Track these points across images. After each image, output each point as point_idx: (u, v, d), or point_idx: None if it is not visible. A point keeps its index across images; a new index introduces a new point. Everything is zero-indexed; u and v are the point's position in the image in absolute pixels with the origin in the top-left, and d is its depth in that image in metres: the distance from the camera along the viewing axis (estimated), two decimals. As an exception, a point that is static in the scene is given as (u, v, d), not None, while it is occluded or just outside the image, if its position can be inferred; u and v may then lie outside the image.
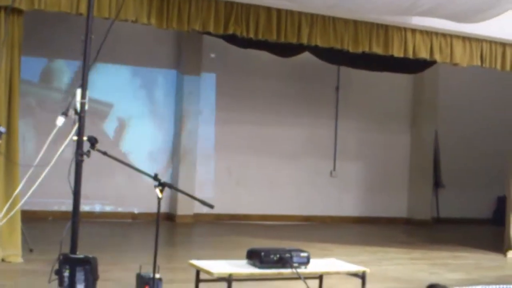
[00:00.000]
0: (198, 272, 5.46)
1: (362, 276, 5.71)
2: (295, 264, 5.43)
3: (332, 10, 7.86)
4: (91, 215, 10.41)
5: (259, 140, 11.88)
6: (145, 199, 10.02)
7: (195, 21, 7.27)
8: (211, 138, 11.61)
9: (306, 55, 9.93)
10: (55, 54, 10.49)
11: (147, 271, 5.50)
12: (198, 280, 5.49)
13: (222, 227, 10.83)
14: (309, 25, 7.83)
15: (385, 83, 12.53)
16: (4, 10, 6.68)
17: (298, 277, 5.41)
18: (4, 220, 6.28)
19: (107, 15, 6.83)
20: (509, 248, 9.31)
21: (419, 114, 13.05)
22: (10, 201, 6.23)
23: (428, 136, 13.05)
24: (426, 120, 13.00)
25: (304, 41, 7.88)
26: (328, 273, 5.82)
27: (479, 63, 8.91)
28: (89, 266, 5.09)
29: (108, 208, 10.83)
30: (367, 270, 5.75)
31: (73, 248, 4.92)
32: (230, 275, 5.18)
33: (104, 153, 5.09)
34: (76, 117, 4.99)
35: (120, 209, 10.90)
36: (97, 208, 10.72)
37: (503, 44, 9.02)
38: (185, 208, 10.95)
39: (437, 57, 8.64)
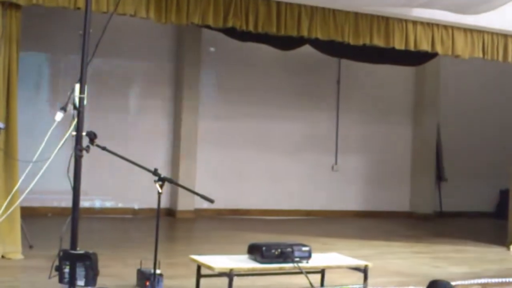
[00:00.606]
0: (199, 267, 5.44)
1: (364, 270, 5.69)
2: (297, 259, 5.41)
3: (332, 2, 7.81)
4: (91, 211, 10.39)
5: (260, 134, 11.84)
6: (146, 194, 9.94)
7: (194, 14, 7.22)
8: (211, 133, 11.56)
9: (307, 48, 9.87)
10: (53, 49, 10.44)
11: (148, 266, 5.49)
12: (199, 275, 5.47)
13: (223, 222, 10.80)
14: (309, 18, 7.77)
15: (386, 75, 12.48)
16: (2, 5, 6.65)
17: (299, 271, 5.39)
18: (4, 217, 6.25)
19: (105, 9, 6.79)
20: (512, 242, 9.28)
21: (421, 107, 13.00)
22: (10, 197, 6.20)
23: (430, 129, 13.00)
24: (428, 113, 12.94)
25: (304, 33, 7.83)
26: (330, 268, 5.81)
27: (480, 55, 8.86)
28: (90, 262, 5.06)
29: (108, 204, 10.80)
30: (369, 264, 5.73)
31: (73, 244, 4.90)
32: (231, 270, 5.16)
33: (104, 148, 5.07)
34: (75, 112, 4.96)
35: (120, 205, 10.88)
36: (97, 204, 10.69)
37: (505, 36, 8.96)
38: (186, 203, 10.92)
39: (438, 49, 8.58)
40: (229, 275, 5.15)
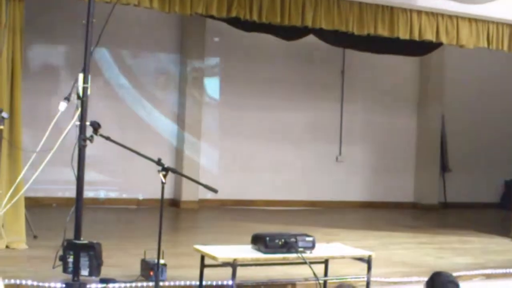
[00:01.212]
0: (203, 257, 5.44)
1: (368, 261, 5.68)
2: (300, 249, 5.41)
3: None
4: (95, 201, 10.39)
5: (264, 125, 11.82)
6: (150, 185, 9.94)
7: (198, 4, 7.18)
8: (215, 123, 11.56)
9: (311, 38, 9.84)
10: (57, 39, 10.42)
11: (152, 256, 5.49)
12: (203, 265, 5.47)
13: (227, 213, 10.80)
14: (313, 7, 7.72)
15: (391, 66, 12.43)
16: (5, -5, 6.64)
17: (303, 261, 5.38)
18: (8, 206, 6.26)
19: (108, -1, 6.77)
20: (516, 232, 9.27)
21: (426, 97, 12.95)
22: (14, 187, 6.21)
23: (434, 119, 12.96)
24: (432, 103, 12.90)
25: (309, 23, 7.78)
26: (333, 258, 5.81)
27: (485, 45, 8.80)
28: (93, 252, 5.08)
29: (112, 194, 10.81)
30: (373, 254, 5.72)
31: (77, 234, 4.90)
32: (235, 260, 5.16)
33: (107, 138, 5.07)
34: (79, 102, 4.96)
35: (124, 195, 10.88)
36: (102, 194, 10.70)
37: (510, 25, 8.89)
38: (190, 193, 10.91)
39: (443, 39, 8.53)
40: (233, 265, 5.15)
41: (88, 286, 5.06)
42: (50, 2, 10.06)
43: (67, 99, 5.27)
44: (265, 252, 5.35)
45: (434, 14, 8.42)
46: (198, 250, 5.48)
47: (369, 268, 5.68)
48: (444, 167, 13.19)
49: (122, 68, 10.98)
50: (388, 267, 6.70)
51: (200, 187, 5.28)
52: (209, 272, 5.51)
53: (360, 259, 5.78)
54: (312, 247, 5.50)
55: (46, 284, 5.29)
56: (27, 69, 9.69)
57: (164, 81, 11.30)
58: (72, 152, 4.86)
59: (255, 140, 11.75)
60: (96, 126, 4.97)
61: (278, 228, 8.25)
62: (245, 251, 5.44)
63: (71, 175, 4.91)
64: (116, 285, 5.43)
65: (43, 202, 9.78)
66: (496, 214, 12.19)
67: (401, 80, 12.92)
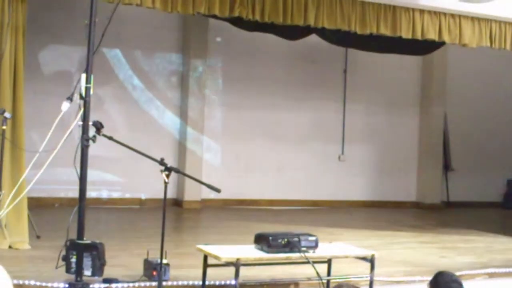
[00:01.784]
0: (206, 257, 5.44)
1: (371, 260, 5.68)
2: (303, 248, 5.41)
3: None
4: (98, 201, 10.39)
5: (266, 125, 11.82)
6: (152, 184, 9.98)
7: (200, 3, 7.18)
8: (218, 123, 11.56)
9: (313, 38, 9.84)
10: (59, 39, 10.42)
11: (155, 256, 5.49)
12: (206, 265, 5.47)
13: (230, 213, 10.79)
14: (316, 7, 7.72)
15: (393, 65, 12.41)
16: (8, -5, 6.64)
17: (306, 261, 5.38)
18: (11, 206, 6.26)
19: (111, -2, 6.76)
20: (519, 231, 9.26)
21: (428, 96, 12.94)
22: (16, 187, 6.21)
23: (437, 118, 12.94)
24: (435, 102, 12.88)
25: (311, 23, 7.77)
26: (336, 257, 5.80)
27: (488, 44, 8.79)
28: (96, 252, 5.09)
29: (115, 194, 10.81)
30: (376, 254, 5.72)
31: (80, 234, 4.90)
32: (238, 259, 5.16)
33: (110, 138, 5.07)
34: (82, 102, 4.96)
35: (127, 195, 10.88)
36: (104, 194, 10.70)
37: (513, 24, 8.91)
38: (193, 193, 10.91)
39: (445, 38, 8.52)
40: (236, 264, 5.15)
41: (91, 286, 5.06)
42: (53, 2, 10.07)
43: (70, 99, 5.28)
44: (268, 252, 5.35)
45: (436, 13, 8.41)
46: (201, 250, 5.48)
47: (372, 268, 5.68)
48: (447, 167, 13.17)
49: (124, 68, 10.98)
50: (391, 267, 6.69)
51: (203, 186, 5.27)
52: (212, 271, 5.52)
53: (363, 258, 5.78)
54: (315, 246, 5.50)
55: (49, 284, 5.29)
56: (29, 69, 9.70)
57: (166, 81, 11.29)
58: (75, 152, 4.86)
59: (258, 139, 11.75)
60: (99, 126, 4.97)
61: (281, 228, 8.24)
62: (248, 251, 5.44)
63: (74, 175, 4.91)
64: (119, 285, 5.43)
65: (46, 202, 9.78)
66: (499, 213, 12.19)
67: (404, 80, 12.90)
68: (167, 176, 4.96)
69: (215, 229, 9.31)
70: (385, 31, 8.19)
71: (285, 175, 11.89)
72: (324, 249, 5.65)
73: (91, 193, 9.69)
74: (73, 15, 9.59)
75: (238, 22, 8.73)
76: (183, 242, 7.76)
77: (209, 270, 5.49)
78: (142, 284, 5.51)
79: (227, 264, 5.24)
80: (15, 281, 5.30)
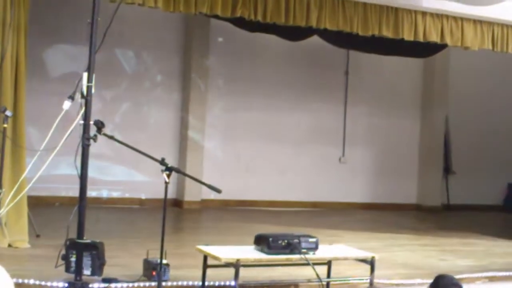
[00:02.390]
0: (205, 257, 5.43)
1: (371, 262, 5.67)
2: (304, 250, 5.39)
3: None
4: (98, 200, 10.39)
5: (267, 126, 11.82)
6: (153, 184, 10.00)
7: (203, 4, 7.18)
8: (219, 123, 11.55)
9: (315, 39, 9.84)
10: (61, 38, 10.42)
11: (155, 256, 5.48)
12: (205, 266, 5.46)
13: (230, 213, 10.79)
14: (318, 8, 7.72)
15: (395, 67, 12.42)
16: (10, -6, 6.64)
17: (306, 262, 5.37)
18: (11, 205, 6.26)
19: (113, -2, 6.76)
20: (519, 235, 9.25)
21: (430, 99, 12.94)
22: (17, 186, 6.21)
23: (438, 121, 12.94)
24: (436, 105, 12.88)
25: (313, 24, 7.77)
26: (336, 259, 5.79)
27: (490, 47, 8.79)
28: (96, 251, 5.08)
29: (115, 194, 10.81)
30: (376, 256, 5.71)
31: (80, 233, 4.90)
32: (238, 260, 5.15)
33: (111, 137, 5.06)
34: (83, 100, 4.95)
35: (127, 195, 10.88)
36: (104, 193, 10.70)
37: (515, 28, 8.90)
38: (193, 194, 10.91)
39: (447, 40, 8.52)
40: (236, 265, 5.14)
41: (90, 285, 5.05)
42: (55, 1, 10.06)
43: (71, 98, 5.27)
44: (268, 253, 5.34)
45: (439, 16, 8.41)
46: (200, 250, 5.47)
47: (372, 270, 5.67)
48: (448, 169, 13.18)
49: (126, 67, 10.98)
50: (391, 269, 6.68)
51: (203, 187, 5.26)
52: (212, 272, 5.51)
53: (363, 260, 5.77)
54: (315, 248, 5.48)
55: (49, 283, 5.29)
56: (31, 68, 9.70)
57: (168, 80, 11.28)
58: (75, 151, 4.86)
59: (259, 140, 11.74)
60: (100, 125, 4.96)
61: (281, 229, 8.25)
62: (248, 252, 5.43)
63: (74, 174, 4.90)
64: (119, 284, 5.42)
65: (46, 201, 9.78)
66: (499, 216, 12.18)
67: (405, 82, 12.90)
68: (168, 176, 4.95)
69: (215, 229, 9.30)
70: (387, 33, 8.19)
71: (285, 177, 11.89)
72: (324, 251, 5.64)
73: (91, 193, 9.69)
74: (75, 14, 9.58)
75: (240, 22, 8.72)
76: (183, 243, 7.75)
77: (209, 271, 5.48)
78: (142, 284, 5.50)
79: (227, 265, 5.23)
80: (15, 280, 5.29)
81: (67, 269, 5.07)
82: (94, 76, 4.92)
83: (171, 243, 6.15)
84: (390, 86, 12.71)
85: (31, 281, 5.33)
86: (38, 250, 6.59)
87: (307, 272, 5.57)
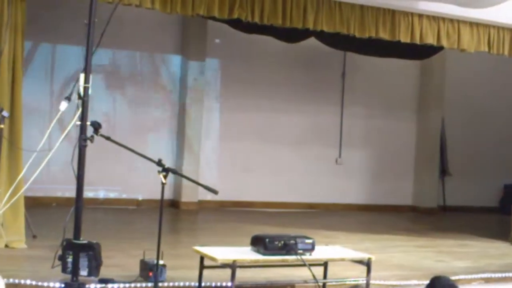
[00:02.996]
0: (202, 258, 5.44)
1: (367, 263, 5.68)
2: (300, 251, 5.40)
3: (338, -5, 7.78)
4: (95, 201, 10.40)
5: (264, 127, 11.83)
6: (149, 185, 9.98)
7: (200, 5, 7.19)
8: (216, 124, 11.56)
9: (312, 41, 9.85)
10: (58, 39, 10.42)
11: (151, 257, 5.49)
12: (202, 267, 5.47)
13: (227, 214, 10.80)
14: (315, 10, 7.73)
15: (391, 69, 12.44)
16: (7, -6, 6.64)
17: (302, 264, 5.38)
18: (8, 205, 6.26)
19: (110, -1, 6.76)
20: (515, 236, 9.27)
21: (426, 101, 12.96)
22: (13, 186, 6.21)
23: (434, 123, 12.96)
24: (433, 107, 12.91)
25: (310, 26, 7.78)
26: (333, 260, 5.80)
27: (486, 49, 8.81)
28: (93, 252, 5.08)
29: (112, 195, 10.81)
30: (372, 257, 5.72)
31: (77, 234, 4.90)
32: (234, 261, 5.16)
33: (108, 138, 5.07)
34: (80, 101, 4.96)
35: (124, 196, 10.88)
36: (101, 194, 10.70)
37: (511, 30, 8.91)
38: (190, 195, 10.91)
39: (444, 42, 8.54)
40: (232, 266, 5.15)
41: (87, 286, 5.05)
42: (52, 1, 10.06)
43: (68, 98, 5.28)
44: (264, 254, 5.34)
45: (435, 18, 8.42)
46: (197, 251, 5.48)
47: (368, 271, 5.68)
48: (444, 171, 13.20)
49: (122, 68, 10.99)
50: (387, 270, 6.69)
51: (200, 188, 5.27)
52: (209, 273, 5.52)
53: (360, 261, 5.78)
54: (312, 249, 5.49)
55: (45, 284, 5.29)
56: (28, 68, 9.71)
57: (165, 82, 11.29)
58: (72, 152, 4.86)
59: (255, 141, 11.76)
60: (96, 126, 4.97)
61: (277, 230, 8.25)
62: (245, 253, 5.43)
63: (71, 175, 4.91)
64: (115, 285, 5.43)
65: (43, 201, 9.78)
66: (495, 218, 12.18)
67: (402, 84, 12.92)
68: (165, 177, 4.96)
69: (212, 230, 9.30)
70: (384, 35, 8.20)
71: (282, 178, 11.90)
72: (320, 252, 5.65)
73: (88, 193, 9.68)
74: (72, 15, 9.58)
75: (237, 24, 8.73)
76: (179, 243, 7.76)
77: (206, 272, 5.49)
78: (138, 284, 5.50)
79: (224, 265, 5.23)
80: (11, 280, 5.30)
81: (64, 270, 5.08)
82: (91, 77, 4.93)
83: (167, 244, 6.17)
84: (386, 88, 12.73)
85: (28, 282, 5.33)
86: (35, 251, 6.59)
87: (303, 273, 5.58)
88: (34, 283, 5.32)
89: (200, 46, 11.23)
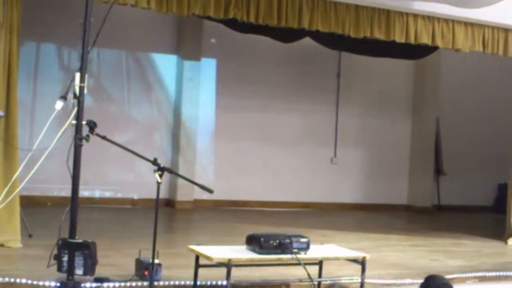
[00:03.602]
0: (197, 257, 5.45)
1: (362, 262, 5.70)
2: (295, 250, 5.42)
3: (333, -6, 7.79)
4: (90, 200, 10.40)
5: (259, 126, 11.85)
6: (145, 185, 10.00)
7: (195, 5, 7.20)
8: (211, 124, 11.57)
9: (307, 41, 9.87)
10: (54, 38, 10.42)
11: (147, 256, 5.50)
12: (197, 266, 5.48)
13: (222, 213, 10.81)
14: (310, 10, 7.75)
15: (386, 69, 12.47)
16: (3, -7, 6.64)
17: (297, 262, 5.40)
18: (3, 204, 6.26)
19: (106, -2, 6.76)
20: (509, 236, 9.28)
21: (421, 101, 13.00)
22: (9, 185, 6.21)
23: (429, 122, 13.00)
24: (427, 106, 12.95)
25: (305, 26, 7.80)
26: (328, 259, 5.82)
27: (481, 49, 8.84)
28: (88, 251, 5.07)
29: (107, 194, 10.81)
30: (367, 256, 5.74)
31: (72, 233, 4.91)
32: (230, 260, 5.17)
33: (103, 138, 5.07)
34: (75, 101, 4.96)
35: (119, 195, 10.89)
36: (97, 193, 10.70)
37: (506, 30, 8.95)
38: (185, 194, 10.92)
39: (439, 42, 8.57)
40: (227, 265, 5.16)
41: (82, 285, 5.06)
42: (48, 1, 10.06)
43: (64, 98, 5.28)
44: (259, 253, 5.36)
45: (430, 18, 8.45)
46: (193, 250, 5.49)
47: (363, 270, 5.70)
48: (438, 170, 13.23)
49: (118, 68, 10.99)
50: (382, 269, 6.72)
51: (196, 187, 5.28)
52: (204, 272, 5.53)
53: (354, 260, 5.80)
54: (307, 248, 5.51)
55: (41, 283, 5.30)
56: (23, 68, 9.70)
57: (160, 81, 11.30)
58: (68, 151, 4.87)
59: (251, 141, 11.77)
60: (92, 126, 4.97)
61: (273, 229, 8.27)
62: (240, 252, 5.45)
63: (67, 174, 4.91)
64: (111, 284, 5.44)
65: (38, 201, 9.77)
66: (490, 217, 12.23)
67: (397, 83, 12.95)
68: (160, 176, 4.97)
69: (207, 229, 9.32)
70: (379, 35, 8.22)
71: (277, 177, 11.92)
72: (315, 251, 5.66)
73: (83, 193, 9.68)
74: (68, 15, 9.59)
75: (232, 23, 8.75)
76: (175, 243, 7.77)
77: (201, 271, 5.50)
78: (134, 283, 5.51)
79: (219, 264, 5.24)
80: (6, 279, 5.31)
81: (59, 269, 5.08)
82: (86, 76, 4.94)
83: (163, 243, 6.18)
84: (381, 88, 12.76)
85: (23, 281, 5.34)
86: (30, 250, 6.60)
87: (298, 272, 5.60)
88: (29, 282, 5.33)
89: (196, 45, 11.24)
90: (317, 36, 9.24)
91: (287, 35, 9.51)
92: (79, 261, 5.00)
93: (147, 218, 6.53)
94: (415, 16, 8.36)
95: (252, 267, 5.77)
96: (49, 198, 10.04)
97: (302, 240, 5.50)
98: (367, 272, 5.74)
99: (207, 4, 7.26)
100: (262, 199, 11.74)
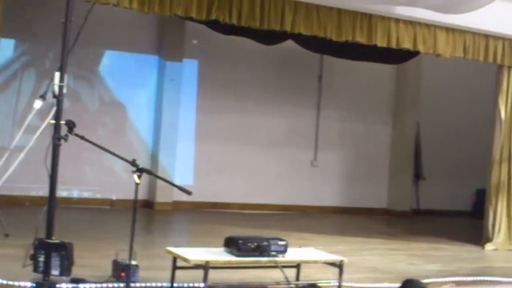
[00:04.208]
0: (175, 259, 5.43)
1: (340, 266, 5.71)
2: (273, 253, 5.42)
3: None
4: (69, 201, 10.33)
5: (240, 129, 11.84)
6: (124, 185, 9.95)
7: (178, 5, 7.18)
8: (192, 125, 11.54)
9: (289, 43, 9.88)
10: (35, 37, 10.34)
11: (124, 257, 5.46)
12: (174, 267, 5.46)
13: (201, 215, 10.79)
14: (293, 13, 7.76)
15: (368, 73, 12.52)
16: (-18, -9, 6.58)
17: (275, 265, 5.40)
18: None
19: (88, -3, 6.72)
20: (487, 241, 9.37)
21: (402, 105, 13.07)
22: (-14, 184, 6.17)
23: (410, 127, 13.08)
24: (408, 111, 13.03)
25: (288, 28, 7.81)
26: (305, 262, 5.82)
27: (462, 55, 8.92)
28: (65, 252, 5.04)
29: (86, 194, 10.74)
30: (345, 259, 5.75)
31: (49, 233, 4.87)
32: (207, 262, 5.16)
33: (82, 138, 5.03)
34: (54, 100, 4.93)
35: (98, 196, 10.82)
36: (75, 194, 10.63)
37: (486, 36, 9.04)
38: (164, 195, 10.88)
39: (420, 47, 8.62)
40: (205, 267, 5.15)
41: (58, 286, 5.02)
42: (28, 0, 9.99)
43: (43, 97, 5.25)
44: (237, 255, 5.35)
45: (412, 23, 8.50)
46: (170, 252, 5.47)
47: (340, 273, 5.71)
48: (418, 175, 13.31)
49: (98, 68, 10.93)
50: (359, 273, 6.73)
51: (175, 189, 5.26)
52: (181, 274, 5.51)
53: (332, 264, 5.81)
54: (285, 251, 5.51)
55: (16, 283, 5.24)
56: (3, 67, 9.62)
57: (141, 81, 11.25)
58: (46, 151, 4.83)
59: (231, 143, 11.76)
60: (71, 125, 4.93)
61: (251, 232, 8.24)
62: (218, 254, 5.44)
63: (45, 174, 4.88)
64: (87, 285, 5.39)
65: (16, 200, 9.70)
66: (468, 222, 12.31)
67: (378, 87, 13.01)
68: (139, 177, 4.94)
69: (186, 231, 9.30)
70: (361, 39, 8.25)
71: (257, 179, 11.92)
72: (293, 254, 5.67)
73: (61, 193, 9.61)
74: (49, 13, 9.51)
75: (214, 25, 8.73)
76: (153, 244, 7.73)
77: (178, 272, 5.48)
78: (110, 284, 5.47)
79: (196, 266, 5.23)
80: (-18, 279, 5.25)
81: (35, 269, 5.04)
82: (66, 76, 4.90)
83: (141, 244, 6.14)
84: (362, 91, 12.81)
85: (-2, 281, 5.29)
86: (7, 250, 6.53)
87: (276, 274, 5.60)
88: (5, 282, 5.27)
89: (178, 46, 11.21)
90: (299, 38, 9.25)
91: (269, 37, 9.52)
92: (55, 261, 4.96)
93: (126, 219, 6.47)
94: (397, 20, 8.41)
95: (230, 270, 5.76)
96: (27, 198, 9.96)
97: (280, 243, 5.50)
98: (344, 276, 5.76)
99: (189, 5, 7.25)
100: (242, 201, 11.74)
